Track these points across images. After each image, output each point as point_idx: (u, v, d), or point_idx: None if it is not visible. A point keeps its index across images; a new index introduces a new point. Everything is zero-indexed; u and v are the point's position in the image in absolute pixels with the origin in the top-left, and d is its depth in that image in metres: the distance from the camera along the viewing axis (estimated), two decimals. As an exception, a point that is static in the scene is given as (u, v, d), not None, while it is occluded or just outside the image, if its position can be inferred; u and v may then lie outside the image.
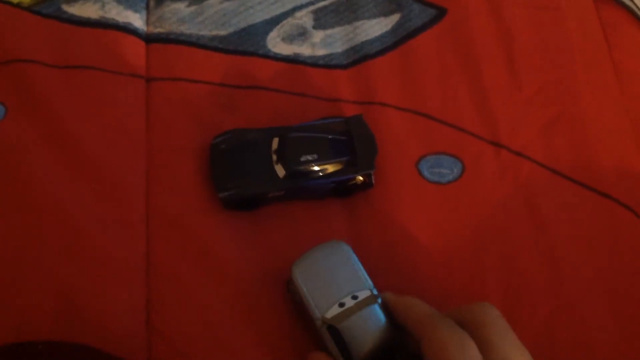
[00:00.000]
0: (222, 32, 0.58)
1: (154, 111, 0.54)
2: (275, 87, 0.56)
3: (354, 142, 0.51)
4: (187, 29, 0.57)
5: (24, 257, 0.47)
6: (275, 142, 0.50)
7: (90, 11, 0.56)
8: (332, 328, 0.43)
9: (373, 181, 0.51)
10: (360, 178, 0.51)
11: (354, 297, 0.44)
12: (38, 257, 0.47)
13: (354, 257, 0.46)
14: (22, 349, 0.44)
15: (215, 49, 0.57)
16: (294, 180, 0.49)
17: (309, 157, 0.49)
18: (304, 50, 0.58)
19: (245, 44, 0.57)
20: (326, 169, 0.50)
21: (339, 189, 0.51)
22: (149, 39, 0.57)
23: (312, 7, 0.59)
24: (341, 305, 0.43)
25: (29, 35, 0.55)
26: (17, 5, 0.56)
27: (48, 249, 0.47)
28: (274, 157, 0.50)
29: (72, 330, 0.45)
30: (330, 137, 0.51)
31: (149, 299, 0.47)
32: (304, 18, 0.59)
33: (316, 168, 0.49)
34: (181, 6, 0.58)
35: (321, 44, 0.58)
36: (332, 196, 0.51)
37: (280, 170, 0.49)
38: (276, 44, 0.58)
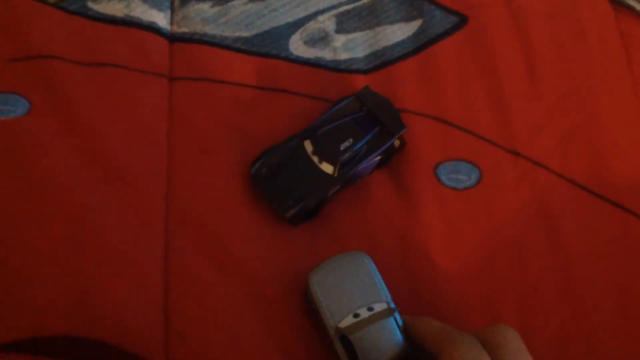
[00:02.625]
0: (246, 34, 0.58)
1: (176, 110, 0.54)
2: (297, 91, 0.56)
3: (374, 112, 0.52)
4: (211, 30, 0.57)
5: (43, 253, 0.47)
6: (308, 145, 0.51)
7: (115, 9, 0.57)
8: (345, 338, 0.43)
9: (405, 140, 0.54)
10: (398, 141, 0.53)
11: (370, 309, 0.43)
12: (56, 253, 0.47)
13: (374, 268, 0.45)
14: (40, 344, 0.45)
15: (238, 50, 0.57)
16: (345, 170, 0.50)
17: (347, 144, 0.51)
18: (325, 54, 0.58)
19: (268, 46, 0.57)
20: (367, 147, 0.51)
21: (383, 160, 0.53)
22: (173, 38, 0.57)
23: (335, 11, 0.60)
24: (356, 315, 0.43)
25: (54, 32, 0.55)
26: (43, 1, 0.56)
27: (66, 245, 0.48)
28: (315, 158, 0.51)
29: (89, 327, 0.45)
30: (352, 117, 0.52)
31: (167, 298, 0.47)
32: (327, 22, 0.59)
33: (358, 150, 0.51)
34: (205, 6, 0.58)
35: (343, 48, 0.58)
36: (377, 168, 0.53)
37: (327, 168, 0.50)
38: (298, 47, 0.58)
